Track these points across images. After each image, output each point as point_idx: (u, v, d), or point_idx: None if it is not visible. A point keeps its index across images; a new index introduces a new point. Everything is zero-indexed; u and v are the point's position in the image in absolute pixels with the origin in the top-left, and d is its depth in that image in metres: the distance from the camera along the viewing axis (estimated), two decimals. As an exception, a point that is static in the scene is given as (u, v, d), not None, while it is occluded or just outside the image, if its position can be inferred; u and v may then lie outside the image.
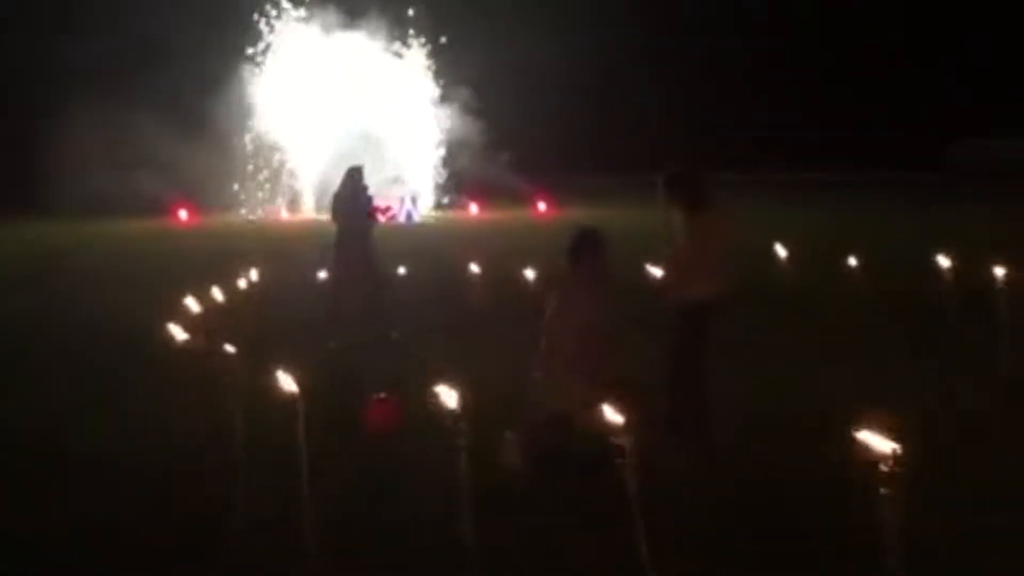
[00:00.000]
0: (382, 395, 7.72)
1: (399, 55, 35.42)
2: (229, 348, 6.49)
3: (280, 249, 20.33)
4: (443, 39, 35.72)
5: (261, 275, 12.61)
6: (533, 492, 5.97)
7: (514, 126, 35.88)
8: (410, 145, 35.22)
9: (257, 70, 34.56)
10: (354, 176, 11.67)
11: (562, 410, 6.18)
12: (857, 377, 8.60)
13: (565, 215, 27.54)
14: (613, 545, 5.07)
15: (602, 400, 5.05)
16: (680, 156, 9.53)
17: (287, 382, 5.47)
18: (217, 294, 10.25)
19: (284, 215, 33.84)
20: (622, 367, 6.55)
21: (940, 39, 47.79)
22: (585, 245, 6.66)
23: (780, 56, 48.20)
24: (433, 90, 35.92)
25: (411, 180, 34.97)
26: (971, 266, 10.51)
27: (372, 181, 12.74)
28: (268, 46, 34.85)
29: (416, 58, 35.78)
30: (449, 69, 35.64)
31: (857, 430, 4.37)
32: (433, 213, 33.85)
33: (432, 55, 35.83)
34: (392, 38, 35.43)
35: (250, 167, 34.98)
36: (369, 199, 11.83)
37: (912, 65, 47.54)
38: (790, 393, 8.18)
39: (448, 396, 5.35)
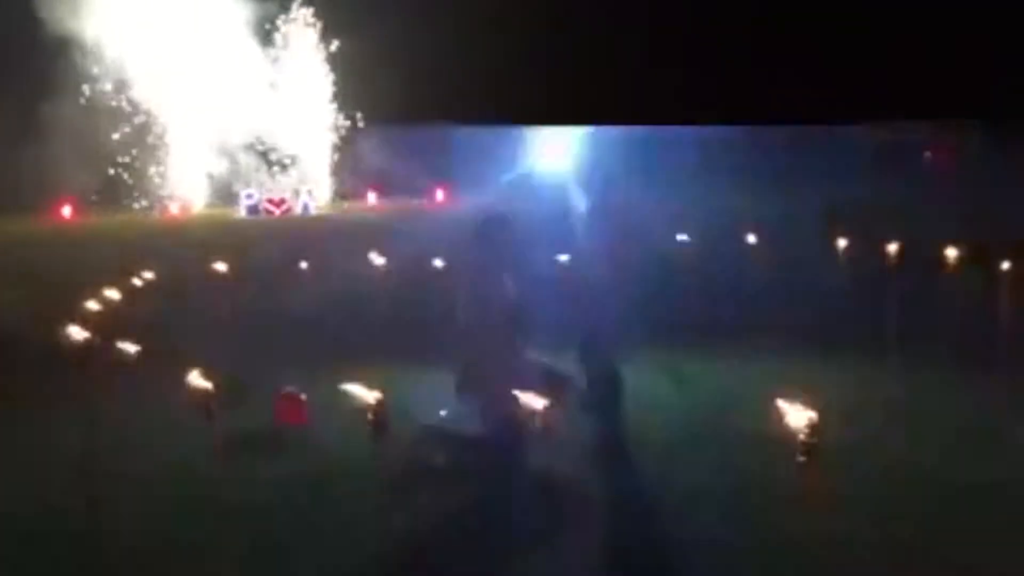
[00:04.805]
0: (290, 389, 7.58)
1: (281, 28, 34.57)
2: (129, 348, 6.29)
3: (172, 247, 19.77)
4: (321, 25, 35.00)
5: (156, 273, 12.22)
6: (454, 481, 5.93)
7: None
8: (302, 132, 34.63)
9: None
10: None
11: (485, 399, 6.15)
12: (766, 359, 8.74)
13: (463, 204, 27.47)
14: (537, 535, 5.07)
15: (524, 388, 5.03)
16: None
17: (198, 380, 5.31)
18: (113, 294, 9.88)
19: (174, 211, 32.78)
20: (541, 354, 6.54)
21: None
22: (493, 231, 6.64)
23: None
24: (325, 73, 35.30)
25: (305, 169, 34.44)
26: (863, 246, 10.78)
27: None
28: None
29: (302, 37, 35.07)
30: (341, 53, 35.01)
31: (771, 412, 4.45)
32: (330, 204, 33.41)
33: (324, 40, 35.18)
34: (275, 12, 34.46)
35: (125, 157, 33.58)
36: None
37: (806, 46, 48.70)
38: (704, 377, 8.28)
39: (361, 391, 5.27)
